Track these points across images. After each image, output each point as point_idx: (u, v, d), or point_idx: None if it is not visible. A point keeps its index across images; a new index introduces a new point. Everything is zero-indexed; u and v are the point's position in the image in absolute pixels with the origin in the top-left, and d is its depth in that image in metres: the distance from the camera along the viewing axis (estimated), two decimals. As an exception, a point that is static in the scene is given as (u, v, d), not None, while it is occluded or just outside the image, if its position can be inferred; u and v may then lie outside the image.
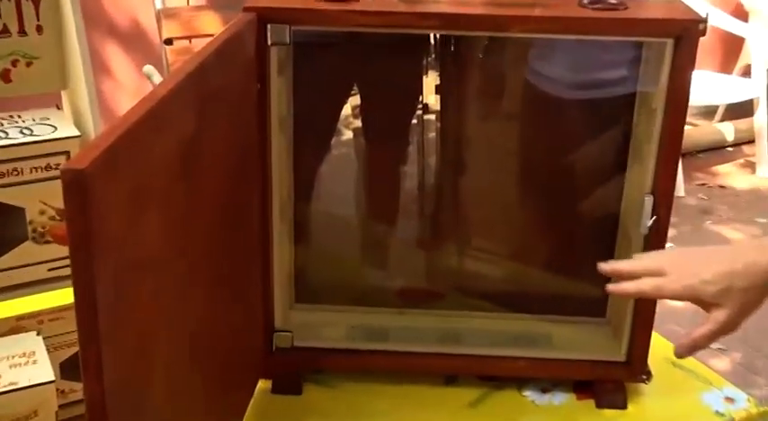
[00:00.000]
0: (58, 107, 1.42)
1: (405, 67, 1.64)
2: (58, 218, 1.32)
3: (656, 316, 1.50)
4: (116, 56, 4.25)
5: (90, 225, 0.78)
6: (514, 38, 1.54)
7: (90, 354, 0.82)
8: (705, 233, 4.23)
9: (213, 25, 3.32)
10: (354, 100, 1.71)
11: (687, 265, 1.24)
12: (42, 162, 1.29)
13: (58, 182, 0.77)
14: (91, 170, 0.77)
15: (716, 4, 5.03)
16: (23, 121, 1.34)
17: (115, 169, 0.83)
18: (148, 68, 3.37)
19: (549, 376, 1.58)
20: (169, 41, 3.29)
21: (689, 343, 1.27)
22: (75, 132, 1.32)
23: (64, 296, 1.36)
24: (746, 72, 5.13)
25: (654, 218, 1.42)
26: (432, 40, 1.61)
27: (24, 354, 1.29)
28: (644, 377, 1.52)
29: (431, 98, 1.65)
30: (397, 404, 1.52)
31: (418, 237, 1.75)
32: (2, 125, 1.32)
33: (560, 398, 1.55)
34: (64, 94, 1.42)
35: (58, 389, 1.29)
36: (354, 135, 1.71)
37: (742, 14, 5.17)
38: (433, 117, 1.67)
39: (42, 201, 1.31)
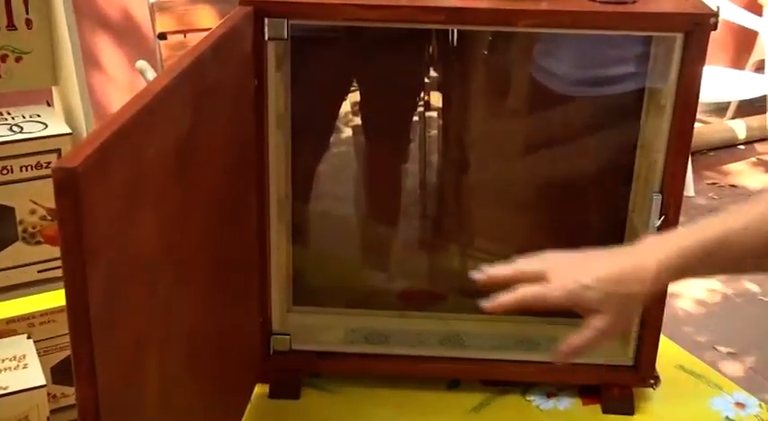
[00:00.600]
0: (49, 103, 1.40)
1: (406, 62, 1.64)
2: (49, 218, 1.30)
3: (665, 319, 1.48)
4: (108, 51, 4.24)
5: (82, 225, 0.76)
6: (519, 33, 1.53)
7: (82, 358, 0.80)
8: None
9: (208, 19, 3.30)
10: (354, 97, 1.70)
11: (569, 270, 1.18)
12: (33, 160, 1.27)
13: (49, 181, 0.75)
14: (83, 169, 0.75)
15: (728, -2, 5.01)
16: (13, 118, 1.33)
17: (108, 167, 0.81)
18: (142, 64, 3.35)
19: (554, 380, 1.56)
20: (163, 36, 3.28)
21: (566, 350, 1.23)
22: (67, 129, 1.30)
23: (55, 298, 1.34)
24: (760, 67, 5.11)
25: (662, 218, 1.41)
26: (433, 35, 1.60)
27: (15, 358, 1.27)
28: (652, 382, 1.51)
29: (432, 95, 1.65)
30: (398, 409, 1.51)
31: (420, 238, 1.75)
32: (-9, 122, 1.30)
33: (566, 404, 1.53)
34: (55, 91, 1.41)
35: (49, 394, 1.28)
36: (354, 133, 1.71)
37: (755, 8, 5.13)
38: (434, 114, 1.66)
39: (33, 200, 1.29)
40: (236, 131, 1.30)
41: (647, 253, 1.15)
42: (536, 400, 1.54)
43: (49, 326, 1.40)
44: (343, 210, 1.76)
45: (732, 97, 5.06)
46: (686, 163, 1.40)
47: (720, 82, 4.78)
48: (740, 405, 1.52)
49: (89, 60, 4.02)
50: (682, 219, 1.43)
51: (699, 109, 1.37)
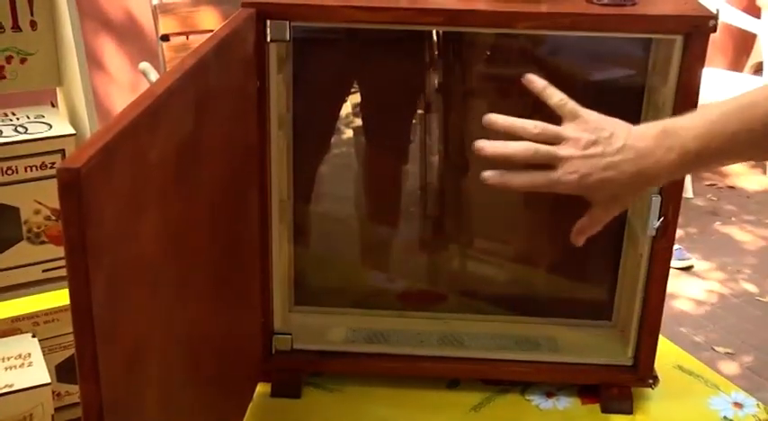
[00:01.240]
0: (53, 104, 1.41)
1: (406, 64, 1.64)
2: (53, 218, 1.31)
3: (663, 319, 1.48)
4: (111, 52, 4.24)
5: (86, 225, 0.77)
6: (518, 35, 1.53)
7: (85, 356, 0.81)
8: (714, 234, 4.23)
9: (211, 21, 3.30)
10: (355, 98, 1.70)
11: (587, 161, 1.15)
12: (37, 160, 1.28)
13: (54, 181, 0.75)
14: (87, 169, 0.76)
15: (727, 0, 5.01)
16: (18, 119, 1.33)
17: (111, 168, 0.82)
18: (144, 65, 3.35)
19: (553, 380, 1.56)
20: (166, 38, 3.28)
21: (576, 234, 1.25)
22: (71, 130, 1.31)
23: (59, 297, 1.35)
24: (758, 70, 5.11)
25: (661, 219, 1.41)
26: (434, 37, 1.60)
27: (20, 356, 1.28)
28: (650, 381, 1.51)
29: (433, 96, 1.65)
30: (398, 408, 1.51)
31: (420, 239, 1.75)
32: (-5, 123, 1.31)
33: (565, 403, 1.54)
34: (59, 91, 1.42)
35: (53, 392, 1.28)
36: (355, 134, 1.71)
37: (754, 10, 5.14)
38: (434, 116, 1.66)
39: (37, 200, 1.30)
40: (238, 132, 1.30)
41: (660, 156, 1.14)
42: (535, 400, 1.54)
43: (53, 325, 1.40)
44: (344, 210, 1.76)
45: (731, 99, 5.06)
46: (685, 164, 1.41)
47: (719, 84, 4.78)
48: (738, 404, 1.53)
49: (93, 62, 4.02)
50: (680, 220, 1.44)
51: (698, 111, 1.37)
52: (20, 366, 1.26)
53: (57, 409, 1.28)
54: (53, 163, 1.28)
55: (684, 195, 1.90)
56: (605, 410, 1.51)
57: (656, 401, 1.53)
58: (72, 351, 1.14)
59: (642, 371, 1.51)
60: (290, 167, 1.52)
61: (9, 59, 1.34)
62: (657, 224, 1.41)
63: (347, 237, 1.76)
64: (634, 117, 1.49)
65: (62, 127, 1.31)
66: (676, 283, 3.79)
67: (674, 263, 1.59)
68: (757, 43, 5.19)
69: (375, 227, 1.78)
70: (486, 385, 1.56)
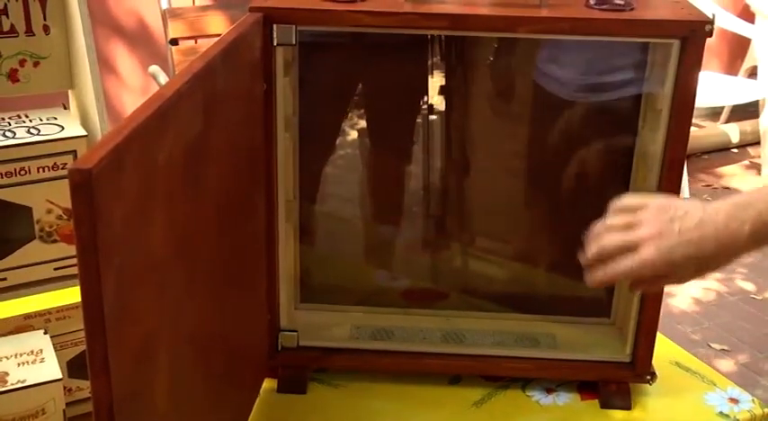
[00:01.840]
0: (65, 107, 1.42)
1: (410, 67, 1.64)
2: (65, 217, 1.32)
3: (661, 317, 1.50)
4: (122, 56, 4.25)
5: (96, 224, 0.78)
6: (520, 39, 1.54)
7: (96, 353, 0.83)
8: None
9: (219, 26, 3.31)
10: (359, 100, 1.71)
11: (661, 240, 1.15)
12: (49, 161, 1.29)
13: (65, 181, 0.77)
14: (97, 170, 0.77)
15: (723, 5, 5.03)
16: (30, 121, 1.34)
17: (122, 169, 0.83)
18: (154, 68, 3.36)
19: (553, 376, 1.58)
20: (175, 41, 3.29)
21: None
22: (82, 132, 1.32)
23: (71, 295, 1.36)
24: (752, 73, 5.12)
25: (660, 219, 1.42)
26: (437, 41, 1.61)
27: (32, 353, 1.29)
28: (648, 378, 1.53)
29: (436, 99, 1.65)
30: (402, 403, 1.52)
31: (423, 238, 1.76)
32: (9, 125, 1.33)
33: (564, 399, 1.55)
34: (71, 94, 1.43)
35: (65, 388, 1.30)
36: (359, 135, 1.71)
37: (748, 16, 5.16)
38: (437, 118, 1.67)
39: (49, 200, 1.31)
40: (245, 134, 1.32)
41: (735, 229, 1.14)
42: (536, 395, 1.55)
43: (64, 322, 1.41)
44: (348, 210, 1.77)
45: (726, 102, 5.07)
46: (682, 166, 1.42)
47: (715, 87, 4.79)
48: (734, 400, 1.54)
49: (104, 65, 4.03)
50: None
51: (694, 113, 1.38)
52: (32, 362, 1.27)
53: (68, 404, 1.29)
54: (65, 164, 1.30)
55: (681, 196, 1.91)
56: (604, 406, 1.53)
57: (654, 397, 1.54)
58: (83, 347, 1.14)
59: (640, 368, 1.52)
60: (295, 168, 1.54)
61: (22, 63, 1.35)
62: (656, 224, 1.42)
63: (352, 237, 1.77)
64: (632, 119, 1.51)
65: (74, 128, 1.33)
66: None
67: (671, 262, 1.60)
68: (751, 47, 5.19)
69: (379, 226, 1.78)
70: (487, 381, 1.58)
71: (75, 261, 0.80)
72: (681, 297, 3.73)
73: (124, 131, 0.85)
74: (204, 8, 3.55)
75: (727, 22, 4.94)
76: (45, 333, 1.34)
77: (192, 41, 3.44)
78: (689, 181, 4.67)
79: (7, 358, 1.27)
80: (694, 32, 1.33)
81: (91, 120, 1.36)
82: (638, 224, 1.17)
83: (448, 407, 1.52)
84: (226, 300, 1.27)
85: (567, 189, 1.63)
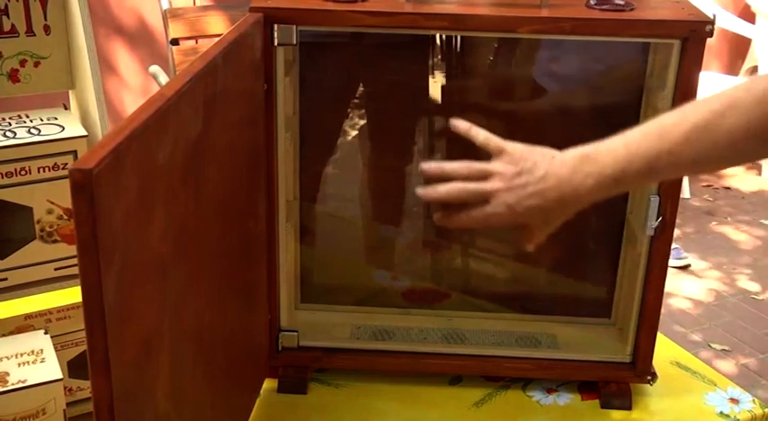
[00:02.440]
0: (66, 107, 1.42)
1: (411, 67, 1.64)
2: (65, 217, 1.32)
3: (662, 317, 1.50)
4: (122, 56, 4.25)
5: (97, 224, 0.78)
6: (521, 39, 1.54)
7: (97, 353, 0.83)
8: (710, 234, 4.24)
9: (220, 26, 3.31)
10: (360, 100, 1.71)
11: (513, 192, 1.20)
12: (50, 161, 1.29)
13: (66, 181, 0.77)
14: (98, 170, 0.77)
15: (723, 6, 5.03)
16: (31, 121, 1.35)
17: (122, 169, 0.83)
18: (155, 68, 3.36)
19: (553, 377, 1.58)
20: (175, 42, 3.28)
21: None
22: (83, 132, 1.32)
23: (71, 295, 1.36)
24: (753, 73, 5.12)
25: (660, 219, 1.42)
26: (438, 41, 1.61)
27: (32, 353, 1.29)
28: (649, 378, 1.53)
29: (436, 98, 1.65)
30: (402, 403, 1.53)
31: (423, 238, 1.76)
32: (10, 125, 1.33)
33: (565, 399, 1.55)
34: (71, 94, 1.43)
35: (65, 388, 1.30)
36: (360, 135, 1.71)
37: (749, 16, 5.16)
38: (438, 117, 1.67)
39: (50, 200, 1.31)
40: (245, 134, 1.32)
41: (579, 182, 1.17)
42: (536, 396, 1.56)
43: (65, 322, 1.42)
44: (349, 210, 1.77)
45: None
46: (682, 166, 1.42)
47: (715, 87, 4.77)
48: (734, 400, 1.55)
49: (104, 65, 4.03)
50: (677, 220, 1.45)
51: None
52: (33, 362, 1.27)
53: (68, 404, 1.29)
54: (65, 164, 1.30)
55: (681, 196, 1.91)
56: (604, 406, 1.53)
57: (654, 397, 1.54)
58: (84, 347, 1.14)
59: (640, 368, 1.52)
60: (296, 168, 1.54)
61: (23, 63, 1.36)
62: (656, 224, 1.42)
63: (352, 237, 1.77)
64: (633, 120, 1.51)
65: (74, 129, 1.33)
66: (674, 282, 3.80)
67: (671, 262, 1.60)
68: (752, 48, 5.20)
69: (379, 226, 1.78)
70: (488, 381, 1.58)
71: (75, 261, 0.80)
72: (681, 297, 3.74)
73: (125, 131, 0.85)
74: (205, 8, 3.55)
75: (727, 22, 4.94)
76: (45, 333, 1.34)
77: (193, 41, 3.44)
78: (690, 180, 4.67)
79: (8, 358, 1.27)
80: (695, 33, 1.34)
81: (91, 121, 1.36)
82: (490, 175, 1.21)
83: (448, 408, 1.53)
84: (226, 300, 1.27)
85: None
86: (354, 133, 1.71)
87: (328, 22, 1.39)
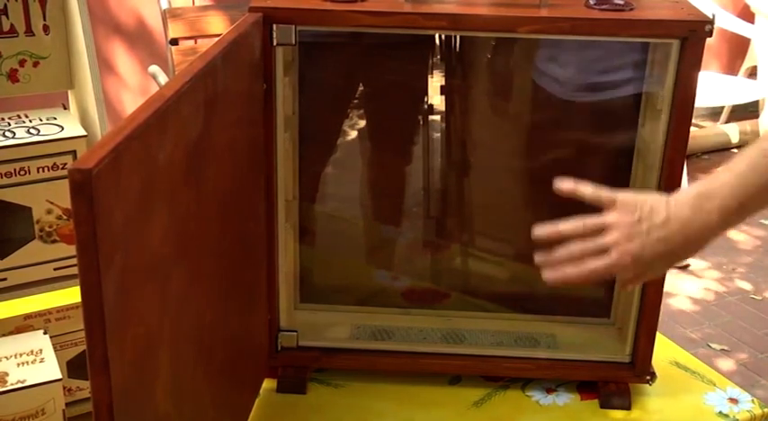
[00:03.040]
0: (65, 107, 1.42)
1: (410, 67, 1.65)
2: (64, 217, 1.32)
3: (661, 317, 1.50)
4: (122, 56, 4.25)
5: (96, 224, 0.78)
6: (520, 38, 1.54)
7: (96, 353, 0.83)
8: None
9: (219, 26, 3.31)
10: (359, 100, 1.71)
11: (633, 242, 1.19)
12: (49, 161, 1.29)
13: (65, 181, 0.77)
14: (98, 170, 0.77)
15: (722, 5, 5.03)
16: (30, 121, 1.35)
17: (122, 169, 0.83)
18: (154, 68, 3.36)
19: (553, 377, 1.58)
20: (175, 42, 3.28)
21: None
22: (82, 132, 1.32)
23: (71, 295, 1.36)
24: (752, 73, 5.12)
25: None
26: (437, 41, 1.61)
27: (32, 353, 1.29)
28: (648, 378, 1.53)
29: (436, 99, 1.66)
30: (401, 403, 1.53)
31: (423, 238, 1.76)
32: (9, 125, 1.33)
33: (564, 399, 1.55)
34: (71, 94, 1.43)
35: (65, 388, 1.30)
36: (359, 135, 1.71)
37: (748, 15, 5.16)
38: (437, 118, 1.67)
39: (49, 200, 1.31)
40: (245, 134, 1.32)
41: (704, 220, 1.16)
42: (535, 395, 1.56)
43: (64, 322, 1.42)
44: (348, 210, 1.77)
45: (726, 102, 5.07)
46: (682, 165, 1.42)
47: (714, 87, 4.79)
48: (733, 400, 1.55)
49: (103, 65, 4.03)
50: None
51: (694, 113, 1.39)
52: (32, 362, 1.27)
53: (68, 404, 1.29)
54: (65, 164, 1.30)
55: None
56: (604, 406, 1.53)
57: (654, 397, 1.54)
58: (83, 347, 1.14)
59: (640, 368, 1.52)
60: (295, 168, 1.54)
61: (22, 63, 1.36)
62: (655, 224, 1.42)
63: (352, 237, 1.77)
64: (632, 119, 1.51)
65: (73, 129, 1.33)
66: (673, 282, 3.80)
67: (671, 262, 1.60)
68: (751, 47, 5.20)
69: (379, 226, 1.78)
70: (488, 381, 1.58)
71: (75, 261, 0.80)
72: (680, 297, 3.74)
73: (124, 131, 0.85)
74: (204, 8, 3.56)
75: (726, 21, 4.94)
76: (45, 333, 1.34)
77: (192, 41, 3.44)
78: (689, 181, 4.66)
79: (7, 358, 1.27)
80: (694, 32, 1.34)
81: (91, 120, 1.36)
82: (607, 228, 1.20)
83: (448, 408, 1.53)
84: (226, 300, 1.27)
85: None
86: (354, 133, 1.71)
87: (327, 21, 1.39)
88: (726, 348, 3.39)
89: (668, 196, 1.19)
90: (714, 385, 1.59)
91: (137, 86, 4.28)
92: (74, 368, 1.42)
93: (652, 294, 1.47)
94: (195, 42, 3.44)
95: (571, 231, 1.22)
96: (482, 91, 1.69)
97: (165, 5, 3.39)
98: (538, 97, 1.66)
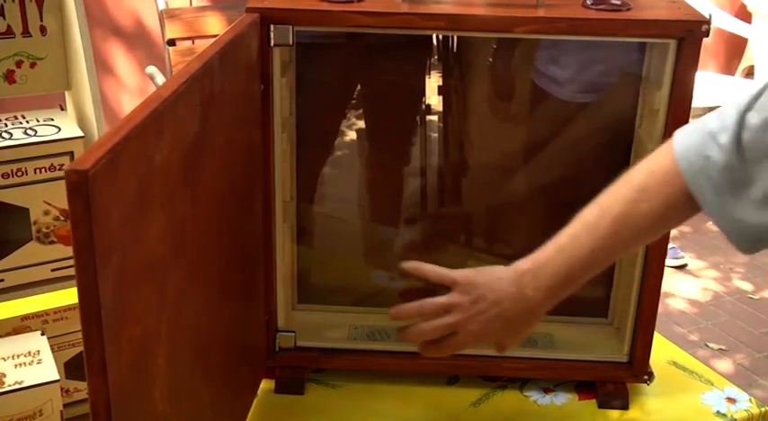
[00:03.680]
0: (62, 108, 1.42)
1: (407, 67, 1.65)
2: (62, 218, 1.32)
3: (659, 317, 1.50)
4: (119, 57, 4.25)
5: (93, 225, 0.78)
6: (517, 38, 1.54)
7: (94, 354, 0.83)
8: (707, 234, 4.24)
9: (216, 26, 3.32)
10: (357, 101, 1.71)
11: (472, 323, 1.28)
12: (46, 162, 1.29)
13: (62, 182, 0.77)
14: (94, 171, 0.77)
15: (719, 5, 5.04)
16: (27, 122, 1.35)
17: (119, 170, 0.83)
18: (151, 69, 3.37)
19: (550, 377, 1.58)
20: (172, 42, 3.29)
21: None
22: (79, 133, 1.32)
23: (68, 296, 1.36)
24: (749, 73, 5.13)
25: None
26: (434, 41, 1.62)
27: (29, 354, 1.29)
28: (646, 378, 1.53)
29: (433, 99, 1.66)
30: (400, 404, 1.53)
31: (420, 238, 1.76)
32: (6, 126, 1.33)
33: (562, 399, 1.55)
34: (68, 95, 1.43)
35: (62, 389, 1.30)
36: (357, 136, 1.71)
37: (745, 15, 5.17)
38: (435, 118, 1.67)
39: (46, 201, 1.31)
40: (242, 135, 1.32)
41: (530, 298, 1.25)
42: (533, 396, 1.56)
43: (62, 323, 1.42)
44: (346, 211, 1.77)
45: (723, 102, 5.04)
46: (679, 166, 1.42)
47: (712, 87, 4.79)
48: (731, 400, 1.55)
49: (101, 66, 4.03)
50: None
51: (691, 113, 1.38)
52: (29, 363, 1.27)
53: (65, 405, 1.29)
54: (62, 165, 1.30)
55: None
56: (602, 406, 1.53)
57: (651, 397, 1.55)
58: (80, 348, 1.14)
59: (638, 368, 1.52)
60: (293, 169, 1.54)
61: (19, 64, 1.36)
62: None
63: (349, 237, 1.77)
64: (629, 119, 1.51)
65: (71, 129, 1.33)
66: (671, 282, 3.81)
67: (668, 261, 1.61)
68: (748, 47, 5.20)
69: (377, 226, 1.78)
70: (485, 381, 1.58)
71: (72, 262, 0.80)
72: (678, 297, 3.74)
73: (121, 132, 0.85)
74: (201, 9, 3.56)
75: (723, 21, 4.95)
76: (42, 334, 1.34)
77: (190, 42, 3.44)
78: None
79: (4, 359, 1.27)
80: (691, 32, 1.34)
81: (88, 121, 1.36)
82: (450, 308, 1.29)
83: (446, 408, 1.53)
84: (224, 301, 1.27)
85: (566, 189, 1.63)
86: (351, 134, 1.71)
87: (325, 22, 1.39)
88: (723, 348, 3.39)
89: (504, 272, 1.28)
90: (712, 385, 1.59)
91: (134, 87, 4.29)
92: (71, 369, 1.42)
93: (650, 294, 1.48)
94: (192, 43, 3.45)
95: (420, 311, 1.32)
96: (480, 91, 1.69)
97: (162, 6, 3.39)
98: (535, 97, 1.66)
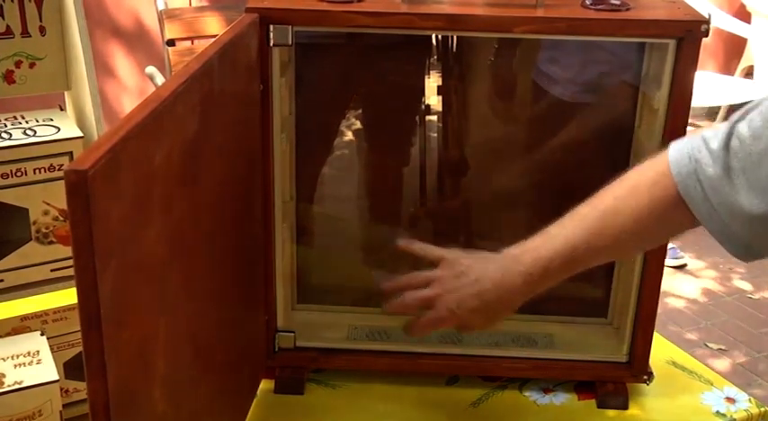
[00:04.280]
0: (62, 108, 1.43)
1: (407, 67, 1.65)
2: (61, 218, 1.32)
3: (658, 316, 1.50)
4: (119, 57, 4.26)
5: (93, 225, 0.78)
6: (517, 38, 1.54)
7: (93, 354, 0.83)
8: (706, 234, 4.24)
9: (215, 26, 3.32)
10: (356, 101, 1.71)
11: (453, 297, 1.30)
12: (46, 163, 1.29)
13: (62, 182, 0.77)
14: (94, 171, 0.77)
15: (719, 5, 5.04)
16: (27, 122, 1.35)
17: (118, 170, 0.83)
18: (151, 69, 3.37)
19: (550, 376, 1.58)
20: (171, 42, 3.29)
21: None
22: (79, 133, 1.32)
23: (67, 296, 1.36)
24: (749, 73, 5.13)
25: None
26: (434, 41, 1.62)
27: (29, 354, 1.29)
28: (645, 377, 1.53)
29: (432, 99, 1.66)
30: (399, 404, 1.53)
31: (420, 238, 1.75)
32: (5, 126, 1.33)
33: (561, 399, 1.55)
34: (67, 95, 1.43)
35: (61, 389, 1.30)
36: (356, 136, 1.71)
37: (744, 15, 5.17)
38: (434, 118, 1.67)
39: (46, 201, 1.31)
40: (241, 135, 1.32)
41: (510, 282, 1.27)
42: (533, 396, 1.56)
43: (61, 324, 1.42)
44: (345, 211, 1.77)
45: (722, 102, 5.08)
46: (679, 165, 1.42)
47: (711, 87, 4.80)
48: (730, 400, 1.55)
49: (100, 66, 4.04)
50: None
51: (690, 113, 1.39)
52: (29, 364, 1.27)
53: (65, 406, 1.29)
54: (61, 165, 1.30)
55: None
56: (601, 405, 1.53)
57: (651, 397, 1.54)
58: (80, 349, 1.14)
59: (637, 368, 1.52)
60: (292, 169, 1.54)
61: (18, 64, 1.36)
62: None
63: (349, 237, 1.77)
64: (629, 119, 1.51)
65: (70, 130, 1.33)
66: (670, 282, 3.81)
67: (667, 261, 1.61)
68: (748, 47, 5.21)
69: (376, 226, 1.78)
70: (485, 381, 1.58)
71: (71, 262, 0.80)
72: (677, 297, 3.74)
73: (120, 132, 0.84)
74: (201, 9, 3.57)
75: (723, 21, 4.96)
76: (42, 334, 1.35)
77: (189, 42, 3.45)
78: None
79: (4, 360, 1.28)
80: (690, 32, 1.34)
81: (87, 122, 1.36)
82: (431, 282, 1.33)
83: (445, 408, 1.53)
84: (223, 301, 1.27)
85: (564, 188, 1.63)
86: (350, 134, 1.71)
87: (324, 22, 1.39)
88: (723, 348, 3.39)
89: (491, 254, 1.30)
90: (711, 385, 1.59)
91: (134, 87, 4.29)
92: (71, 369, 1.42)
93: (649, 294, 1.47)
94: (192, 43, 3.45)
95: (406, 283, 1.35)
96: (479, 91, 1.69)
97: (161, 6, 3.40)
98: (535, 97, 1.66)
